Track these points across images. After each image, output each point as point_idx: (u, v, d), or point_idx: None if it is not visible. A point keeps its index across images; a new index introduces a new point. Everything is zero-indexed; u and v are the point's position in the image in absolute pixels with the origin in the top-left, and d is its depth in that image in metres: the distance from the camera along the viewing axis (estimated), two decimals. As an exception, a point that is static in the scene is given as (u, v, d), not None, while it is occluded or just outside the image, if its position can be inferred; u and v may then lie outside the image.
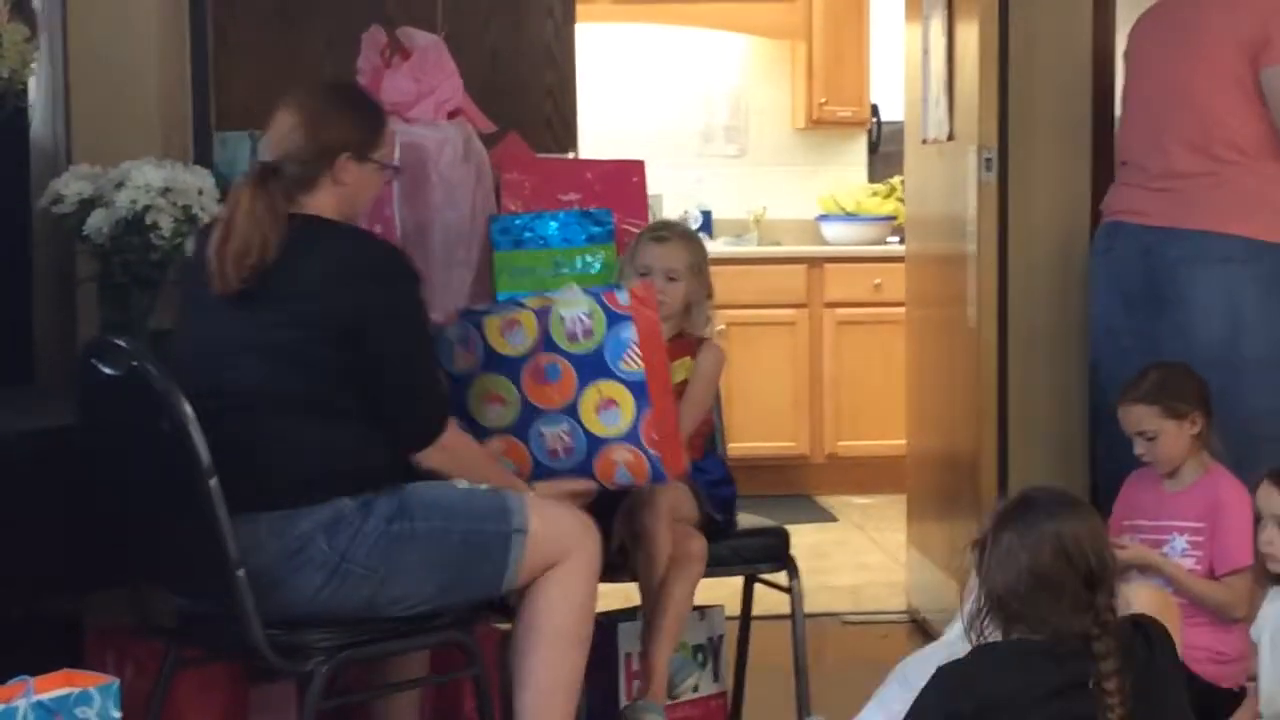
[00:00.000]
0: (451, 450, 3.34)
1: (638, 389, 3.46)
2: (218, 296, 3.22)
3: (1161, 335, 4.21)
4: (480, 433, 3.57)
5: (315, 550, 3.13)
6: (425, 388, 3.31)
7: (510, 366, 3.54)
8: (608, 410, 3.47)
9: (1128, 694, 2.65)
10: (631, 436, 3.48)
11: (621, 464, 3.51)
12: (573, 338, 3.49)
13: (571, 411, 3.48)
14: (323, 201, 3.31)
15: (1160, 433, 3.88)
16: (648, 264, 3.81)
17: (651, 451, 3.48)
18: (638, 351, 3.45)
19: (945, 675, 2.75)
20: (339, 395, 3.21)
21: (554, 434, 3.52)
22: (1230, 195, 4.21)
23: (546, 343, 3.51)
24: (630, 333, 3.46)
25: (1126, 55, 4.55)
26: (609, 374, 3.47)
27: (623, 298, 3.48)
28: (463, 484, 3.31)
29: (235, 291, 3.19)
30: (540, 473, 3.56)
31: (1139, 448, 3.91)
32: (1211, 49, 4.22)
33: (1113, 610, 2.72)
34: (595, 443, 3.50)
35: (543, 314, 3.53)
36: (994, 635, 2.76)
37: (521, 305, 3.59)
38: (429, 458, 3.33)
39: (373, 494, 3.20)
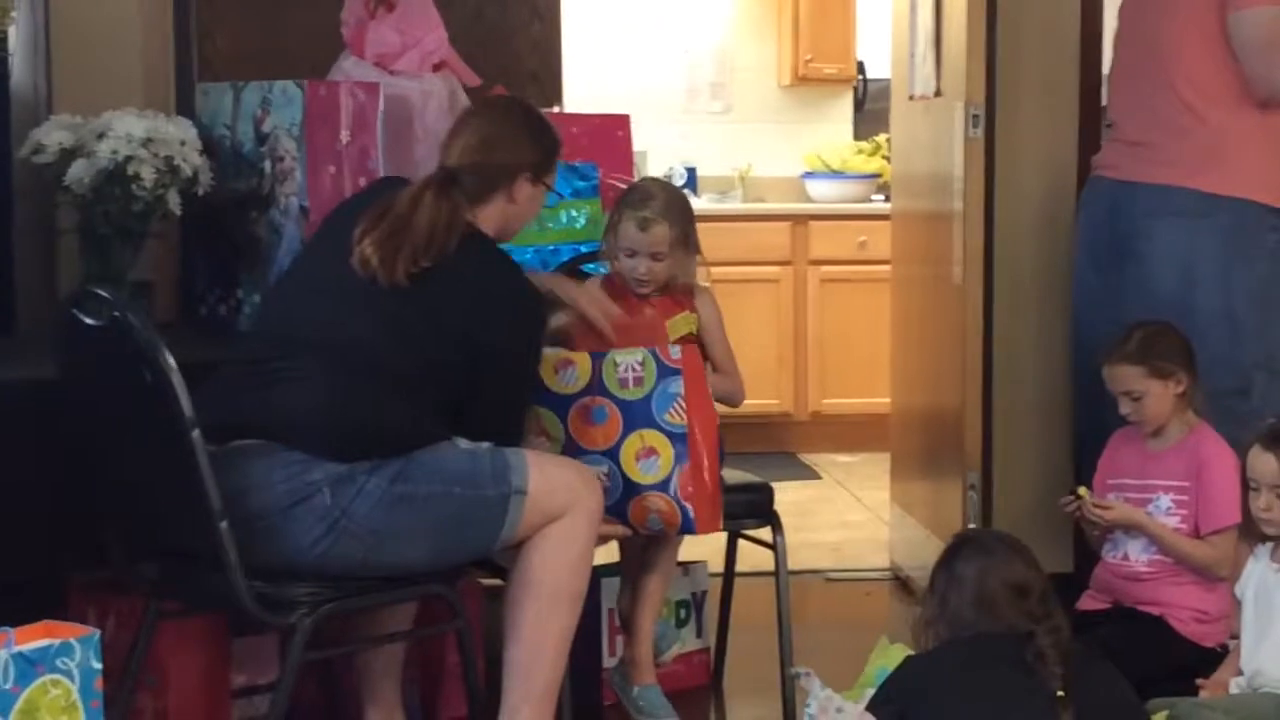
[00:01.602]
0: None
1: (679, 441, 3.56)
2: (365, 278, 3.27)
3: (1123, 289, 4.23)
4: None
5: (319, 500, 3.12)
6: (512, 423, 3.41)
7: (560, 403, 3.63)
8: (647, 459, 3.57)
9: (1065, 656, 2.84)
10: (666, 486, 3.56)
11: (654, 511, 3.59)
12: (624, 384, 3.59)
13: (613, 454, 3.58)
14: (490, 215, 3.42)
15: (1146, 393, 3.87)
16: (632, 247, 3.81)
17: (685, 504, 3.56)
18: (683, 406, 3.56)
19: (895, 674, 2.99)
20: (430, 384, 3.26)
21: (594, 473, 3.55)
22: (1192, 149, 4.21)
23: (598, 386, 3.61)
24: (678, 387, 3.57)
25: (1119, 9, 4.52)
26: (653, 424, 3.57)
27: (674, 352, 3.60)
28: (464, 444, 3.30)
29: (398, 285, 3.25)
30: None
31: (1124, 407, 3.91)
32: (1183, 2, 4.23)
33: (1047, 616, 2.91)
34: (632, 488, 3.58)
35: (597, 358, 3.62)
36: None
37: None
38: None
39: (384, 459, 3.19)
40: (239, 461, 3.12)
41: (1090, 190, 4.47)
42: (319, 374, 3.21)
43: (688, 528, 3.61)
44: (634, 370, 3.59)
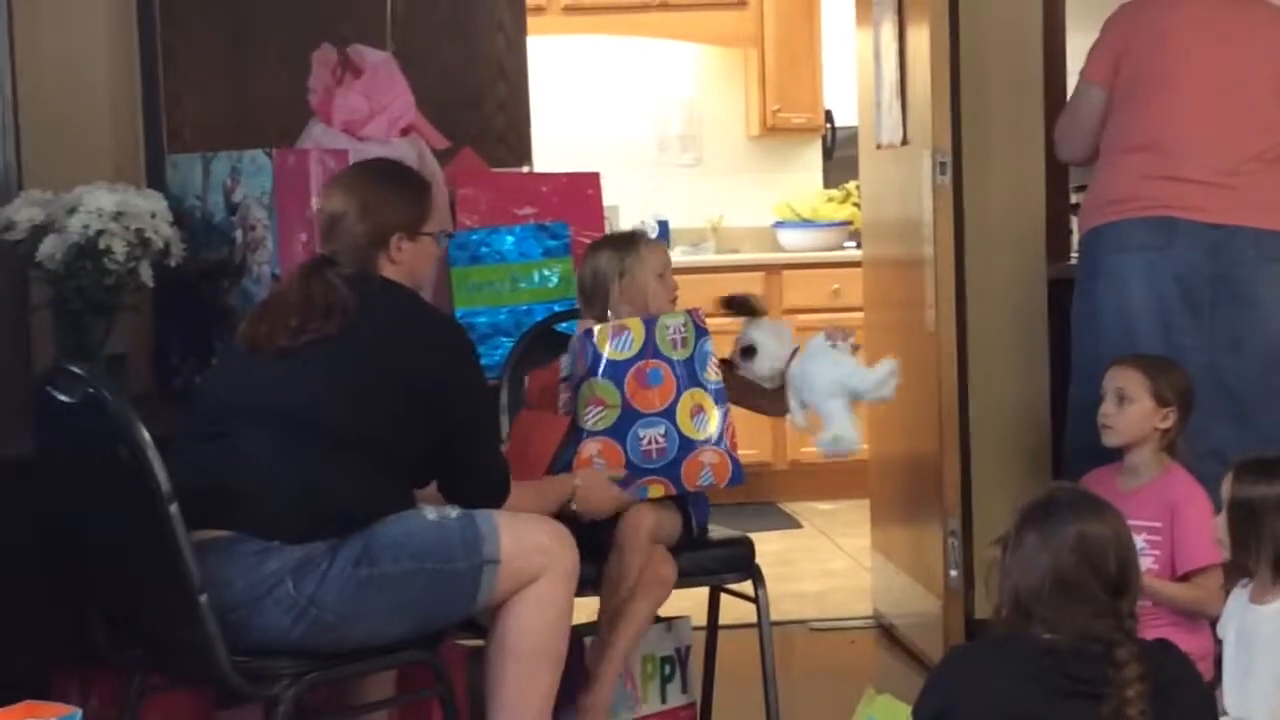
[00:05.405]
0: (512, 507, 3.43)
1: (719, 397, 3.79)
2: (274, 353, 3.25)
3: (1235, 333, 4.24)
4: (580, 434, 3.76)
5: (282, 592, 3.10)
6: (491, 455, 3.44)
7: (617, 370, 3.76)
8: (699, 415, 3.76)
9: (1145, 706, 2.62)
10: (719, 440, 3.78)
11: (707, 465, 3.77)
12: (674, 345, 3.78)
13: (669, 414, 3.75)
14: (389, 272, 3.38)
15: (1135, 402, 3.88)
16: (663, 267, 3.98)
17: (734, 454, 3.77)
18: (716, 363, 3.82)
19: (940, 671, 2.76)
20: (385, 436, 3.23)
21: (650, 435, 3.75)
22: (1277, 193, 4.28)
23: (652, 349, 3.77)
24: (710, 346, 3.82)
25: (1159, 41, 4.38)
26: (698, 382, 3.78)
27: (701, 315, 3.86)
28: (431, 514, 3.28)
29: (281, 348, 3.23)
30: (633, 471, 3.74)
31: (1107, 407, 3.90)
32: (1265, 60, 4.28)
33: (1134, 617, 2.73)
34: (687, 445, 3.75)
35: (649, 322, 3.79)
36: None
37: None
38: None
39: (342, 537, 3.16)
40: (209, 549, 3.07)
41: (1165, 231, 4.30)
42: (251, 453, 3.17)
43: (737, 477, 3.79)
44: (680, 332, 3.80)
